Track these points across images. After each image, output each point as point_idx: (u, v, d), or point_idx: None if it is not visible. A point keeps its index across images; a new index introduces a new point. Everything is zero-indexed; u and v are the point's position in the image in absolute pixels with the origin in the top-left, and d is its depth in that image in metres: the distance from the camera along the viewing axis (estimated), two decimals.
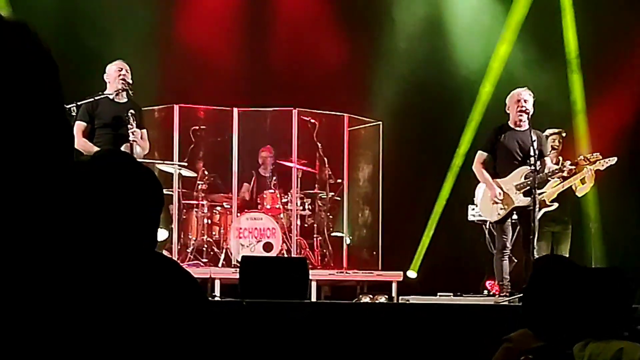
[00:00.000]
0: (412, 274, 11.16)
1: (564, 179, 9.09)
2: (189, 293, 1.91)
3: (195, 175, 10.38)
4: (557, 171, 8.82)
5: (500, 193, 8.73)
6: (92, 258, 1.79)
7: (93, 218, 1.86)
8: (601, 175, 9.33)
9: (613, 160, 9.09)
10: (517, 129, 8.82)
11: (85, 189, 1.87)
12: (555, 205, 9.24)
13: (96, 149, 8.11)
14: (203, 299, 1.96)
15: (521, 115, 8.73)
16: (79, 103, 8.25)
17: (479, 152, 9.00)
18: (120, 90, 8.49)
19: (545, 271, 3.78)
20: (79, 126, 8.26)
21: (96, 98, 8.41)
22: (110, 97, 8.51)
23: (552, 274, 3.70)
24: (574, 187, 9.44)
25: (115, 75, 8.52)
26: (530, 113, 8.76)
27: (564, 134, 9.73)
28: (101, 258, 1.82)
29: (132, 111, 8.38)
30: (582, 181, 9.34)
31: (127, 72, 8.57)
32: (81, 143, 8.13)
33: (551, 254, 8.99)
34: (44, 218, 1.63)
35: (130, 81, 8.53)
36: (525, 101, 8.77)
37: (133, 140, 8.34)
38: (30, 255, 1.62)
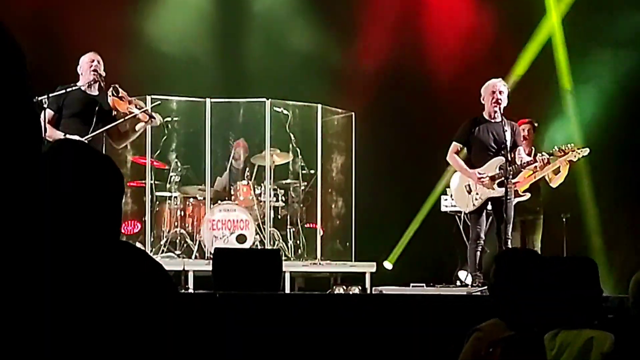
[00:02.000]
0: (388, 264, 11.19)
1: (537, 169, 9.13)
2: (157, 280, 1.90)
3: (168, 167, 10.34)
4: (531, 162, 8.86)
5: (486, 175, 8.73)
6: (55, 248, 1.78)
7: (54, 207, 1.85)
8: (574, 165, 9.39)
9: (586, 151, 9.14)
10: (492, 120, 8.85)
11: (44, 178, 1.86)
12: (528, 195, 9.28)
13: (60, 134, 8.11)
14: (171, 286, 1.95)
15: (495, 107, 8.76)
16: (50, 95, 8.19)
17: (453, 142, 9.02)
18: (92, 82, 8.45)
19: (507, 263, 3.79)
20: (47, 114, 8.20)
21: (67, 90, 8.35)
22: (82, 88, 8.46)
23: (513, 265, 3.72)
24: (547, 178, 9.49)
25: (87, 67, 8.47)
26: (504, 104, 8.80)
27: (535, 124, 9.78)
28: (64, 248, 1.81)
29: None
30: (555, 172, 9.38)
31: (100, 63, 8.53)
32: (48, 131, 8.12)
33: (513, 247, 8.99)
34: (12, 210, 1.62)
35: (103, 73, 8.49)
36: (500, 92, 8.80)
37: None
38: None
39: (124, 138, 8.72)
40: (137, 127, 8.64)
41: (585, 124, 11.13)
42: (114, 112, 8.46)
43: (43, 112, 8.03)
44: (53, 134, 8.15)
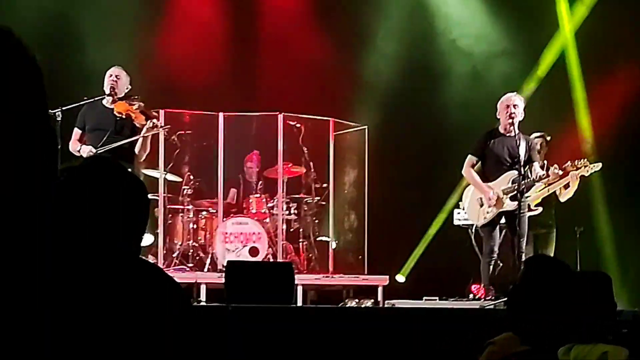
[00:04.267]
0: (400, 278, 11.17)
1: (550, 184, 9.12)
2: (173, 298, 1.91)
3: (181, 180, 10.36)
4: (544, 176, 8.85)
5: (494, 194, 8.75)
6: (76, 265, 1.79)
7: (78, 225, 1.86)
8: (586, 179, 9.37)
9: (598, 166, 9.14)
10: (507, 134, 8.85)
11: (71, 195, 1.87)
12: (540, 209, 9.28)
13: (77, 146, 8.35)
14: (187, 304, 1.96)
15: (511, 121, 8.77)
16: (64, 108, 8.27)
17: (469, 156, 9.04)
18: (107, 96, 8.61)
19: (536, 269, 3.77)
20: (75, 133, 8.61)
21: (81, 103, 8.50)
22: (103, 102, 8.65)
23: (542, 273, 3.70)
24: (557, 192, 9.48)
25: (107, 81, 8.69)
26: (521, 118, 8.81)
27: (548, 138, 9.76)
28: (86, 265, 1.82)
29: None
30: (566, 186, 9.38)
31: (119, 77, 8.67)
32: (73, 148, 8.37)
33: (540, 254, 9.00)
34: (29, 224, 1.63)
35: (125, 88, 8.66)
36: (515, 106, 8.80)
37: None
38: (14, 261, 1.62)
39: (142, 150, 8.80)
40: (142, 133, 8.74)
41: (597, 136, 11.11)
42: (120, 117, 8.57)
43: (57, 125, 8.13)
44: (81, 148, 8.44)
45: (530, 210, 9.14)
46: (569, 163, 9.07)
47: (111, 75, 8.69)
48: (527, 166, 8.82)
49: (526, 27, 11.67)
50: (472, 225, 9.71)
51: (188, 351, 1.90)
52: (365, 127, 11.14)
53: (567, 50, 11.52)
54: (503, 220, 8.93)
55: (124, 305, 1.81)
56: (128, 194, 1.98)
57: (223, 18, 11.92)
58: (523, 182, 8.64)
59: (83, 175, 1.93)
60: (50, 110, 7.91)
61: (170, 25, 11.58)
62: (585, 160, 9.12)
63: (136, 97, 8.64)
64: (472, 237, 9.88)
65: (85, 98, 8.57)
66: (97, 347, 1.75)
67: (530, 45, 11.69)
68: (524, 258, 8.49)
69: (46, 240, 1.70)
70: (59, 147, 7.80)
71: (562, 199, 9.54)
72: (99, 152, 8.25)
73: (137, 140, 8.68)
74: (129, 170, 2.10)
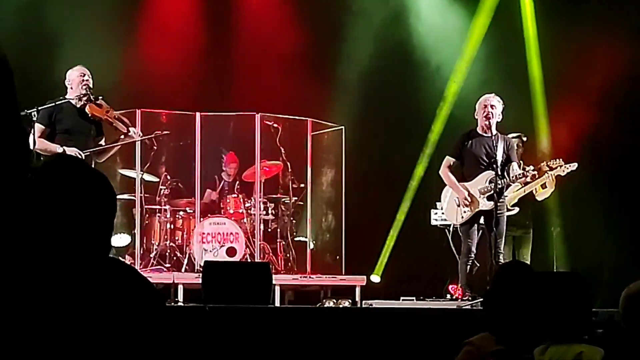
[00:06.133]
0: (375, 278, 11.18)
1: (526, 183, 9.16)
2: (145, 297, 1.90)
3: (158, 180, 10.33)
4: (520, 176, 8.89)
5: (468, 195, 8.80)
6: (44, 264, 1.78)
7: (45, 224, 1.84)
8: (562, 180, 9.41)
9: (574, 166, 9.18)
10: (484, 134, 8.89)
11: (37, 194, 1.85)
12: (517, 209, 9.32)
13: (57, 147, 8.12)
14: (160, 303, 1.95)
15: (488, 121, 8.81)
16: (39, 108, 8.19)
17: (447, 157, 9.09)
18: (82, 96, 8.44)
19: (507, 276, 3.80)
20: (37, 128, 8.20)
21: (57, 103, 8.35)
22: (72, 102, 8.46)
23: (513, 279, 3.73)
24: (534, 192, 9.52)
25: (78, 81, 8.48)
26: (499, 119, 8.85)
27: (524, 138, 9.81)
28: (54, 264, 1.80)
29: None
30: (543, 186, 9.43)
31: (89, 77, 8.55)
32: (42, 145, 8.12)
33: (513, 259, 9.06)
34: None
35: (91, 86, 8.52)
36: (492, 107, 8.85)
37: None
38: None
39: (105, 152, 8.71)
40: (118, 143, 8.68)
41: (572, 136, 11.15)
42: (95, 119, 8.48)
43: (32, 125, 8.02)
44: (47, 147, 8.16)
45: (507, 210, 9.18)
46: (543, 163, 9.12)
47: (84, 75, 8.53)
48: (506, 166, 8.85)
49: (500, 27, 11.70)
50: (450, 225, 9.75)
51: (163, 351, 1.89)
52: (343, 127, 11.14)
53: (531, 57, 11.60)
54: (482, 220, 8.96)
55: (96, 306, 1.79)
56: (95, 192, 1.96)
57: (200, 18, 11.88)
58: (501, 181, 8.68)
59: (51, 174, 1.91)
60: (26, 110, 7.87)
61: (147, 24, 11.54)
62: (560, 160, 9.16)
63: (101, 96, 8.55)
64: (450, 238, 9.90)
65: (61, 98, 8.46)
66: (70, 348, 1.74)
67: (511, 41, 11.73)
68: (501, 258, 8.54)
69: (16, 238, 1.68)
70: (32, 148, 7.80)
71: (539, 198, 9.59)
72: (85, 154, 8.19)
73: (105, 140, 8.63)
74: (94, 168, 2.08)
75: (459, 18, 11.90)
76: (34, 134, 8.02)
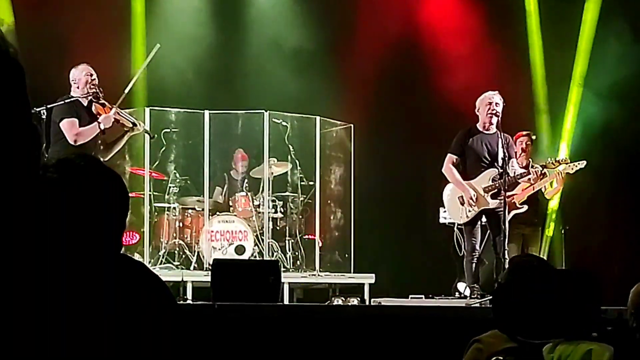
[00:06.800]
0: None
1: (534, 181, 9.14)
2: (156, 294, 1.90)
3: (167, 178, 10.34)
4: (524, 174, 8.87)
5: (474, 194, 8.77)
6: (58, 261, 1.78)
7: (58, 223, 1.85)
8: (571, 177, 9.39)
9: (583, 163, 9.15)
10: (486, 132, 8.88)
11: (50, 194, 1.86)
12: (525, 207, 9.30)
13: (94, 125, 8.21)
14: (170, 300, 1.95)
15: (491, 118, 8.80)
16: (48, 106, 8.21)
17: (449, 154, 9.05)
18: (89, 95, 8.45)
19: (520, 268, 3.79)
20: (73, 122, 8.26)
21: (66, 101, 8.36)
22: (80, 100, 8.48)
23: (526, 272, 3.71)
24: (543, 190, 9.51)
25: (85, 80, 8.48)
26: (499, 116, 8.83)
27: (533, 137, 9.78)
28: (67, 262, 1.81)
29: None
30: (552, 184, 9.42)
31: (95, 76, 8.57)
32: (85, 133, 8.24)
33: (526, 253, 9.02)
34: (10, 224, 1.62)
35: (97, 85, 8.57)
36: (496, 104, 8.83)
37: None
38: None
39: (111, 149, 8.72)
40: (124, 138, 8.69)
41: (583, 134, 11.15)
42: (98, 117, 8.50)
43: (41, 124, 8.04)
44: (87, 131, 8.26)
45: (515, 208, 9.17)
46: (549, 160, 9.09)
47: (91, 75, 8.53)
48: (506, 164, 8.81)
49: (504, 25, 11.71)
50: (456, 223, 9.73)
51: (174, 349, 1.89)
52: (352, 125, 11.14)
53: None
54: (484, 219, 8.93)
55: (108, 303, 1.80)
56: (110, 190, 1.97)
57: (209, 16, 11.89)
58: (501, 179, 8.65)
59: (66, 170, 1.92)
60: (35, 109, 7.90)
61: (155, 21, 11.55)
62: (566, 157, 9.13)
63: (113, 105, 8.57)
64: (455, 236, 9.88)
65: (70, 96, 8.47)
66: (81, 346, 1.74)
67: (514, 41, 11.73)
68: (507, 256, 8.51)
69: (29, 238, 1.69)
70: (43, 145, 7.83)
71: (548, 197, 9.58)
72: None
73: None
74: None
75: (470, 16, 11.88)
76: (45, 133, 8.08)
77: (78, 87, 8.51)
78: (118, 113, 8.53)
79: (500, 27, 11.65)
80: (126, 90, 8.67)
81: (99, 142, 8.52)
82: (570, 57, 11.49)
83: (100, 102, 8.47)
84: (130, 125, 8.64)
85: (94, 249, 1.89)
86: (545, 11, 11.67)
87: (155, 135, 9.73)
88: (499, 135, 8.78)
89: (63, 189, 1.89)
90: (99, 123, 8.25)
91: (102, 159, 8.45)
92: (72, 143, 8.16)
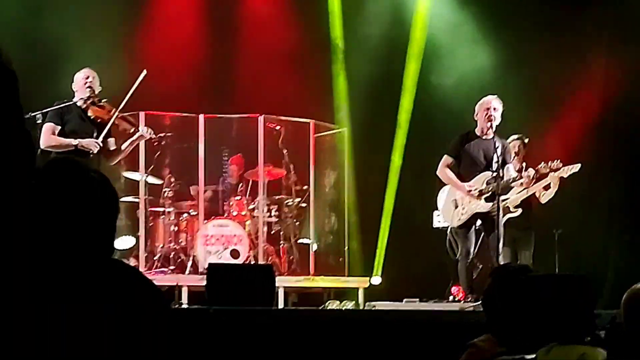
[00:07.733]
0: (376, 279, 11.16)
1: (528, 185, 9.14)
2: (150, 300, 1.91)
3: (162, 182, 10.34)
4: (517, 178, 8.88)
5: (475, 188, 8.75)
6: (51, 267, 1.79)
7: (46, 226, 1.85)
8: (564, 181, 9.40)
9: (577, 167, 9.14)
10: (483, 137, 8.89)
11: (37, 198, 1.86)
12: (519, 211, 9.31)
13: (72, 140, 8.19)
14: (164, 306, 1.96)
15: (489, 124, 8.80)
16: (45, 110, 8.22)
17: (445, 156, 9.06)
18: (85, 98, 8.47)
19: (500, 277, 3.82)
20: (48, 127, 8.27)
21: (62, 105, 8.39)
22: (78, 104, 8.50)
23: (506, 282, 3.74)
24: (537, 194, 9.51)
25: (82, 84, 8.51)
26: (498, 122, 8.84)
27: (525, 140, 9.77)
28: (56, 266, 1.81)
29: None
30: (546, 188, 9.42)
31: (95, 79, 8.59)
32: (55, 141, 8.26)
33: (506, 263, 8.97)
34: (5, 226, 1.63)
35: (99, 88, 8.57)
36: (494, 109, 8.84)
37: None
38: None
39: (115, 155, 8.75)
40: (126, 142, 8.70)
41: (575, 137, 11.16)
42: (99, 121, 8.50)
43: (37, 128, 8.06)
44: (61, 142, 8.27)
45: (509, 212, 9.18)
46: (542, 164, 9.08)
47: (87, 77, 8.56)
48: (502, 169, 8.81)
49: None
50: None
51: (168, 354, 1.90)
52: (345, 129, 11.15)
53: None
54: (478, 223, 8.94)
55: (99, 308, 1.81)
56: (95, 193, 1.97)
57: (203, 19, 11.89)
58: (496, 183, 8.64)
59: (48, 177, 1.93)
60: (30, 113, 7.90)
61: (150, 26, 11.54)
62: (559, 161, 9.11)
63: (105, 99, 8.59)
64: (448, 239, 9.88)
65: (65, 100, 8.49)
66: (74, 350, 1.75)
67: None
68: (501, 260, 8.51)
69: (23, 241, 1.70)
70: (37, 151, 7.84)
71: (543, 201, 9.57)
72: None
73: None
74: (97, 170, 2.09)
75: (467, 18, 11.89)
76: (41, 135, 8.10)
77: (77, 90, 8.56)
78: (119, 118, 8.55)
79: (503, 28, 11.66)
80: (127, 97, 8.68)
81: (106, 147, 8.54)
82: None
83: (99, 104, 8.48)
84: (132, 131, 8.65)
85: (83, 253, 1.89)
86: None
87: (160, 136, 9.73)
88: (497, 141, 8.79)
89: (48, 194, 1.90)
90: (78, 144, 8.24)
91: (104, 163, 8.52)
92: (42, 146, 8.18)
